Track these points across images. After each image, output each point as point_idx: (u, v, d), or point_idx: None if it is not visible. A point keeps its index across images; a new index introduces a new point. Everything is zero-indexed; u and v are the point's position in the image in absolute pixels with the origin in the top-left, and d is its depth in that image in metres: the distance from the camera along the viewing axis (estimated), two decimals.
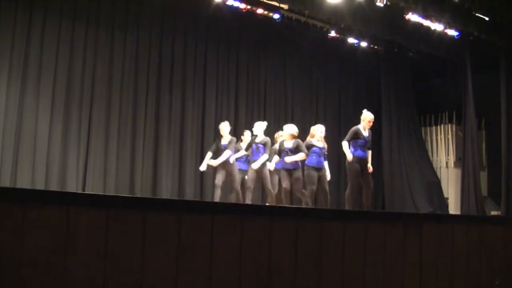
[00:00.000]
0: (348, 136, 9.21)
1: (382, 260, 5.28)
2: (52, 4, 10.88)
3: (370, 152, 9.41)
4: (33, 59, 10.59)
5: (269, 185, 9.94)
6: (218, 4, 11.88)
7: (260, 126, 10.13)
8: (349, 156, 8.97)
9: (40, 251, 3.33)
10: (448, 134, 15.38)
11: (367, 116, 9.29)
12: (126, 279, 3.62)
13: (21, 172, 10.27)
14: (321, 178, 9.41)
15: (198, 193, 12.30)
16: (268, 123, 13.63)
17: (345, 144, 9.13)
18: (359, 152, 9.13)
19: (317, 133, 9.67)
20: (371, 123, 9.31)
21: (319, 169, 9.45)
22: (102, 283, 3.53)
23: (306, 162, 9.40)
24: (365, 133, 9.23)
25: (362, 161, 9.14)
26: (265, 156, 9.76)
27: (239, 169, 10.26)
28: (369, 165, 9.31)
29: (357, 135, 9.14)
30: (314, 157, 9.34)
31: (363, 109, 15.18)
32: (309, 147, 9.39)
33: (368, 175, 9.28)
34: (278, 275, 4.36)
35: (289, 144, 9.33)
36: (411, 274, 5.60)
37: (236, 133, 11.46)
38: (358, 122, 15.40)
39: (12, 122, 10.24)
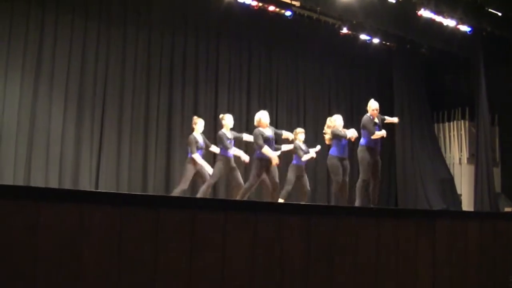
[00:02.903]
0: (369, 127, 9.19)
1: (395, 257, 5.27)
2: (65, 3, 10.93)
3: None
4: (46, 58, 10.65)
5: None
6: (229, 2, 11.89)
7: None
8: (382, 132, 9.17)
9: (54, 249, 3.35)
10: (461, 130, 15.31)
11: (370, 106, 9.45)
12: (139, 276, 3.64)
13: (34, 171, 10.33)
14: (345, 168, 9.34)
15: (210, 191, 12.31)
16: (280, 120, 13.67)
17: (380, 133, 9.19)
18: (369, 142, 9.16)
19: (338, 122, 9.74)
20: (375, 112, 9.39)
21: (344, 158, 9.42)
22: (116, 280, 3.54)
23: (330, 151, 9.45)
24: (376, 121, 9.30)
25: (372, 151, 9.15)
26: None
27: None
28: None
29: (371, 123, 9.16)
30: (339, 146, 9.32)
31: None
32: (336, 136, 9.41)
33: (378, 167, 9.23)
34: (290, 272, 4.36)
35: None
36: (424, 271, 5.59)
37: (248, 128, 11.48)
38: None
39: (25, 121, 10.31)
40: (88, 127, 11.02)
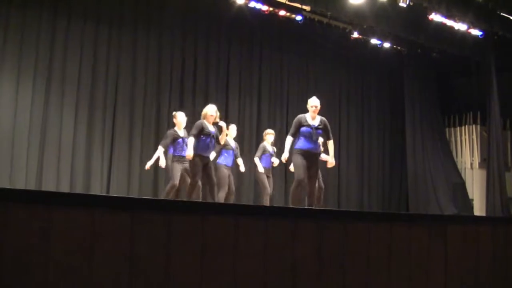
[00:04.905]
0: (291, 129, 8.11)
1: (407, 262, 5.25)
2: (76, 8, 10.98)
3: (330, 143, 8.19)
4: (57, 62, 10.69)
5: None
6: (240, 6, 11.90)
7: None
8: (285, 155, 7.95)
9: (66, 253, 3.36)
10: (472, 134, 15.25)
11: (309, 102, 8.18)
12: (150, 280, 3.64)
13: (46, 175, 10.36)
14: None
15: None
16: (290, 124, 13.65)
17: (288, 141, 8.03)
18: (303, 143, 7.93)
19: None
20: (315, 109, 8.04)
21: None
22: (127, 284, 3.55)
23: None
24: (313, 122, 8.00)
25: (306, 152, 7.89)
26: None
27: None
28: (330, 158, 8.24)
29: (300, 124, 7.99)
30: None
31: (386, 110, 15.01)
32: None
33: (314, 170, 7.99)
34: (302, 276, 4.35)
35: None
36: (436, 276, 5.56)
37: (259, 133, 11.47)
38: (381, 123, 15.30)
39: (37, 126, 10.35)
40: (99, 132, 11.05)
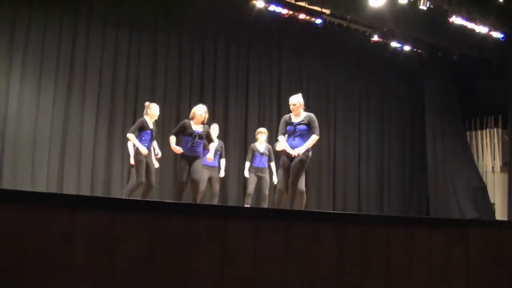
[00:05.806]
0: (280, 129, 7.96)
1: (428, 267, 5.21)
2: (97, 12, 11.09)
3: (312, 136, 7.71)
4: (78, 66, 10.82)
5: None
6: (260, 10, 11.92)
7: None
8: (289, 150, 7.60)
9: (87, 256, 3.38)
10: (494, 138, 15.12)
11: (289, 100, 8.04)
12: (170, 284, 3.65)
13: (67, 180, 10.46)
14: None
15: (241, 198, 12.32)
16: None
17: (280, 139, 7.87)
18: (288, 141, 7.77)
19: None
20: (292, 107, 7.87)
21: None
22: (147, 287, 3.56)
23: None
24: (296, 119, 7.83)
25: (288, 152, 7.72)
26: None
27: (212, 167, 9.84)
28: (297, 149, 7.63)
29: (286, 123, 7.85)
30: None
31: (406, 113, 14.93)
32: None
33: (294, 169, 7.64)
34: (323, 281, 4.34)
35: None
36: (457, 282, 5.52)
37: (274, 138, 11.46)
38: (401, 126, 15.19)
39: (58, 129, 10.46)
40: (120, 135, 11.12)
